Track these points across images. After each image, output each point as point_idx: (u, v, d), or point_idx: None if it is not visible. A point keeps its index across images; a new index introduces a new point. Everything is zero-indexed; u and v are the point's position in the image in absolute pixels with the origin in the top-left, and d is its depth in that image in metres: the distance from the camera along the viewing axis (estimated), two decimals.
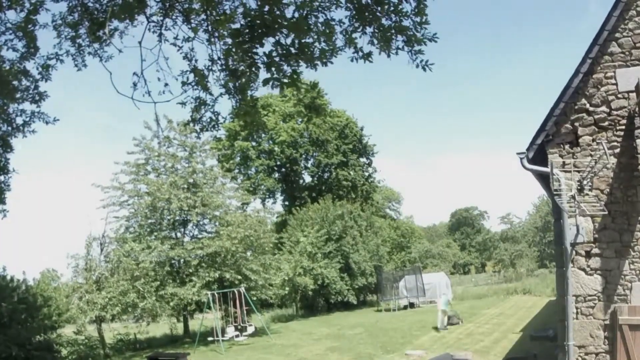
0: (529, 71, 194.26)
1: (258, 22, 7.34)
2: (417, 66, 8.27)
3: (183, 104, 9.21)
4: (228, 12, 8.12)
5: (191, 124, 9.69)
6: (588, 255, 13.65)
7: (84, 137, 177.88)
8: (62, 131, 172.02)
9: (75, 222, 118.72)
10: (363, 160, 76.64)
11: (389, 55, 8.24)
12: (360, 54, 8.21)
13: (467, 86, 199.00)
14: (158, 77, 9.39)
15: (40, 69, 11.17)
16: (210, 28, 8.69)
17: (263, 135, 71.32)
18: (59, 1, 9.81)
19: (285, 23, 7.34)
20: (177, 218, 40.14)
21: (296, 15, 7.50)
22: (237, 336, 35.86)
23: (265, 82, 7.64)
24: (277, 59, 7.47)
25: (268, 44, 7.54)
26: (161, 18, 9.05)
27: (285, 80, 7.67)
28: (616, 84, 13.66)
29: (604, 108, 13.76)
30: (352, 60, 8.27)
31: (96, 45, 9.95)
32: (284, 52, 7.48)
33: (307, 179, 75.31)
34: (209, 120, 9.41)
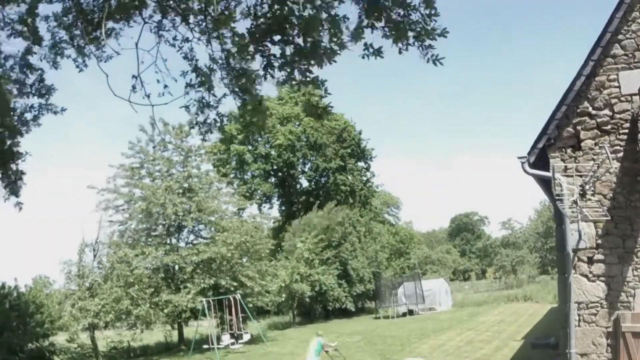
0: (530, 73, 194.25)
1: (270, 21, 7.37)
2: (428, 61, 8.27)
3: (187, 107, 9.22)
4: (226, 12, 8.14)
5: (195, 127, 9.69)
6: (590, 261, 13.66)
7: (83, 137, 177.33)
8: (65, 129, 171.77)
9: (68, 227, 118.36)
10: (361, 164, 76.56)
11: (400, 52, 8.25)
12: (371, 50, 8.22)
13: (467, 88, 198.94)
14: (157, 79, 9.40)
15: (46, 59, 11.16)
16: (208, 28, 8.71)
17: (260, 139, 71.25)
18: (53, 2, 9.83)
19: (296, 22, 7.36)
20: (172, 223, 40.07)
21: (305, 14, 7.53)
22: (232, 344, 35.84)
23: (282, 82, 7.65)
24: (289, 58, 7.48)
25: (279, 43, 7.58)
26: (159, 19, 9.07)
27: (300, 79, 7.68)
28: (619, 87, 13.68)
29: (606, 111, 13.77)
30: (363, 57, 8.28)
31: (92, 47, 9.96)
32: (297, 51, 7.50)
33: (305, 183, 75.23)
34: (213, 121, 9.43)
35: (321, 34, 7.73)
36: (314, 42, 7.55)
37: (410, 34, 8.18)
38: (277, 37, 7.55)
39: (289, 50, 7.56)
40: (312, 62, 7.75)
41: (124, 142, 40.73)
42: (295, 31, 7.54)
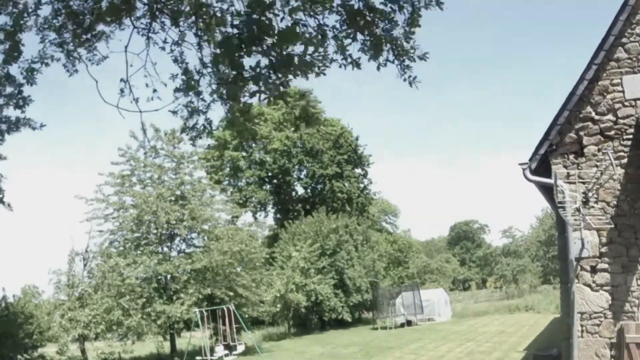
0: (531, 78, 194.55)
1: (246, 32, 7.35)
2: (405, 80, 8.33)
3: (174, 112, 9.19)
4: (218, 15, 8.12)
5: (184, 133, 9.66)
6: (593, 270, 13.63)
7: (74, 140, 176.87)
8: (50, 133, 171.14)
9: (58, 236, 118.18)
10: (358, 171, 76.43)
11: (378, 68, 8.28)
12: (349, 60, 8.24)
13: (465, 93, 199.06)
14: (146, 83, 9.37)
15: (24, 73, 11.09)
16: (199, 32, 8.69)
17: (254, 144, 71.15)
18: (42, 4, 9.78)
19: (274, 33, 7.34)
20: (164, 232, 39.93)
21: (283, 25, 7.52)
22: (226, 355, 35.70)
23: (252, 95, 7.65)
24: (264, 70, 7.47)
25: (255, 55, 7.55)
26: (148, 21, 9.04)
27: (273, 93, 7.69)
28: (623, 92, 13.67)
29: (610, 116, 13.76)
30: (340, 67, 8.32)
31: (82, 51, 9.92)
32: (272, 63, 7.48)
33: (300, 190, 75.07)
34: (202, 127, 9.40)
35: (303, 44, 7.73)
36: (289, 54, 7.54)
37: (389, 50, 8.22)
38: (252, 48, 7.52)
39: (263, 62, 7.54)
40: (288, 74, 7.74)
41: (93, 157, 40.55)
42: (272, 42, 7.52)
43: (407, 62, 8.25)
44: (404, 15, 8.09)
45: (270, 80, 7.59)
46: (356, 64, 8.30)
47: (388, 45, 8.18)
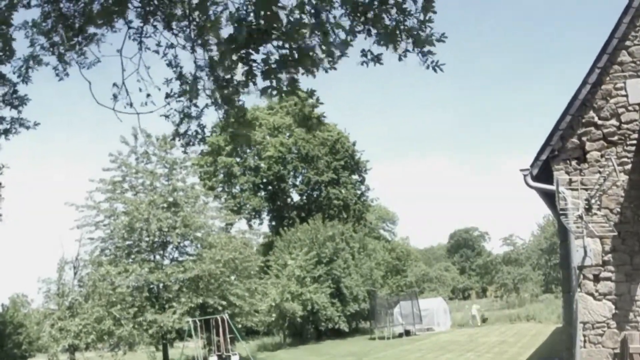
0: (533, 83, 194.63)
1: (254, 26, 7.32)
2: (428, 67, 8.22)
3: (167, 116, 9.15)
4: (212, 17, 8.10)
5: (176, 139, 9.60)
6: (596, 279, 13.61)
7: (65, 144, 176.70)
8: (40, 138, 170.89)
9: (47, 243, 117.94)
10: (355, 177, 76.29)
11: (400, 59, 8.20)
12: (370, 56, 8.20)
13: (463, 98, 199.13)
14: (140, 87, 9.33)
15: (18, 72, 11.06)
16: (193, 35, 8.66)
17: (249, 150, 70.97)
18: (31, 7, 9.76)
19: (282, 28, 7.31)
20: (156, 240, 39.78)
21: (292, 19, 7.48)
22: None
23: (264, 90, 7.61)
24: (274, 65, 7.44)
25: (263, 50, 7.53)
26: (141, 24, 9.01)
27: (285, 89, 7.65)
28: (626, 96, 13.65)
29: (613, 121, 13.75)
30: (362, 64, 8.24)
31: (73, 54, 9.89)
32: (282, 58, 7.45)
33: (296, 197, 74.87)
34: (194, 133, 9.35)
35: (312, 40, 7.70)
36: (301, 49, 7.51)
37: (408, 40, 8.14)
38: (261, 44, 7.49)
39: (273, 57, 7.51)
40: (300, 70, 7.71)
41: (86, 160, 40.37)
42: (282, 37, 7.49)
43: (426, 47, 8.18)
44: (416, 3, 8.05)
45: (281, 75, 7.56)
46: (377, 58, 8.25)
47: (404, 35, 8.12)
